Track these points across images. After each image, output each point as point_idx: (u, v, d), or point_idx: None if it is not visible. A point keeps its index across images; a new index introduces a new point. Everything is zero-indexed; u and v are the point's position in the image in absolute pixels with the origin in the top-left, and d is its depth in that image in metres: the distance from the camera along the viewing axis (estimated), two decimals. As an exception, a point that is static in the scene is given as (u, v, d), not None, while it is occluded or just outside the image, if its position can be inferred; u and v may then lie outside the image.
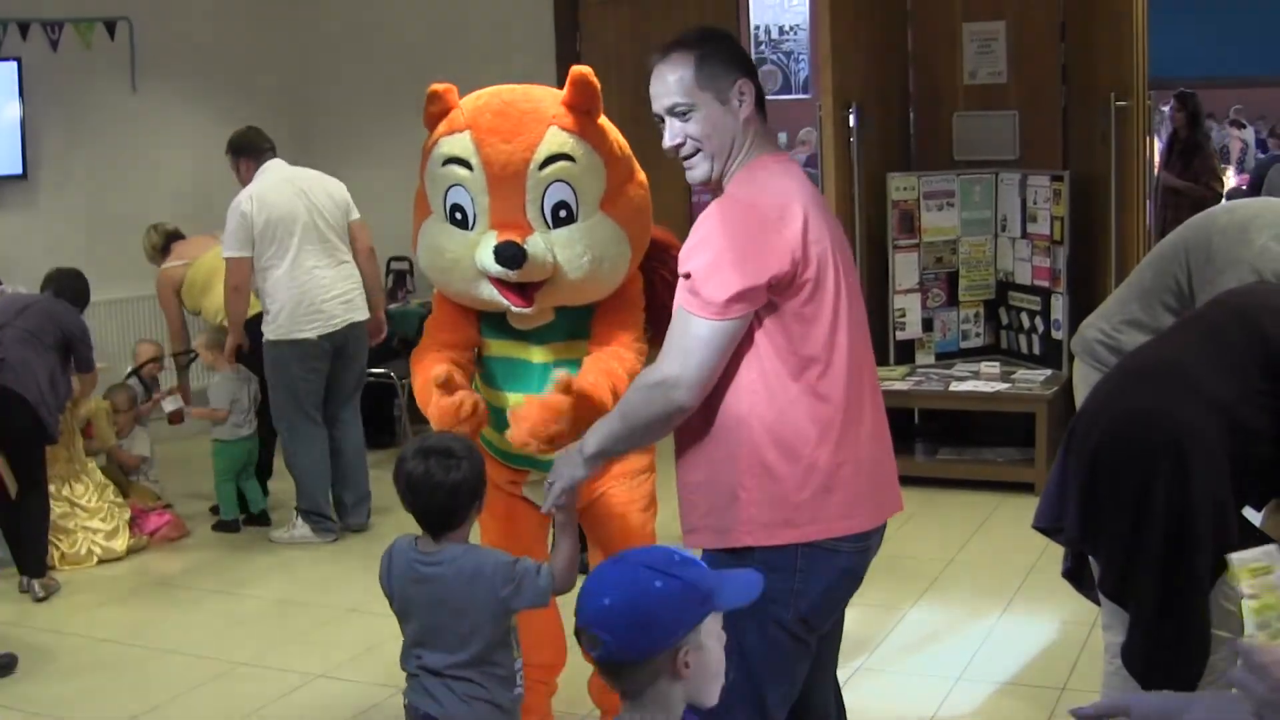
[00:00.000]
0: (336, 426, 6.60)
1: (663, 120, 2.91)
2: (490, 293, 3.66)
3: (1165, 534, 2.89)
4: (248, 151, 6.54)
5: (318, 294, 6.29)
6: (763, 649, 2.81)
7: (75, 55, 8.08)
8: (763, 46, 14.48)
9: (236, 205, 6.31)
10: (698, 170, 2.90)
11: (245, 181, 6.47)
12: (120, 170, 8.28)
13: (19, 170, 7.84)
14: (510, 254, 3.55)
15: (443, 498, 3.08)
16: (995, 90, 7.33)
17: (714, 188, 2.93)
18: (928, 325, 7.29)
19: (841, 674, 3.28)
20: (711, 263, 2.73)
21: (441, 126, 3.71)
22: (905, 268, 7.22)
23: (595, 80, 3.66)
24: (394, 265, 8.97)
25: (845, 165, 6.99)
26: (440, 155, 3.66)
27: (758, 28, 14.34)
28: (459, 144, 3.64)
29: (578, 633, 2.14)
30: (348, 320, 6.39)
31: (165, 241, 7.28)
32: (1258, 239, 3.63)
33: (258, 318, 6.48)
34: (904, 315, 7.24)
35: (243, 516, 6.78)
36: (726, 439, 2.81)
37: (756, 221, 2.76)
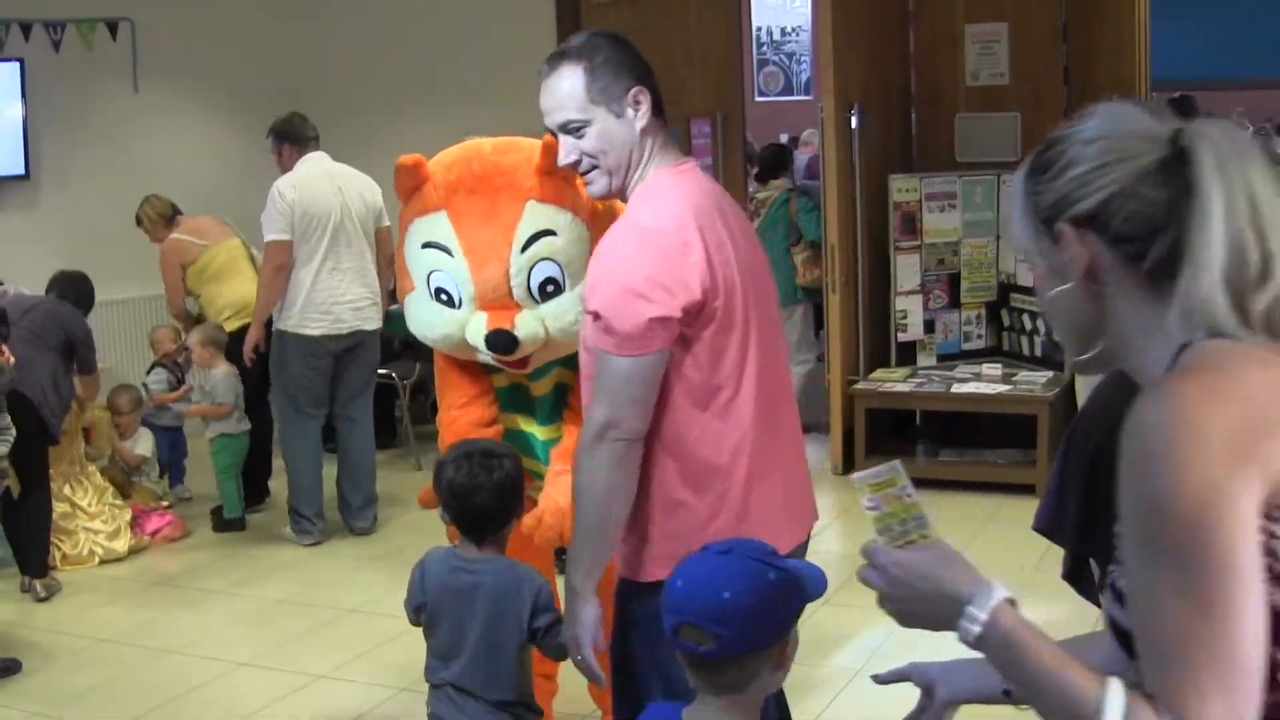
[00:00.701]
0: (345, 424, 6.61)
1: (556, 134, 2.77)
2: (485, 358, 3.69)
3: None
4: (292, 138, 6.51)
5: (330, 296, 6.30)
6: (680, 675, 2.72)
7: (77, 56, 8.08)
8: (764, 47, 14.50)
9: (278, 190, 6.28)
10: (596, 186, 2.76)
11: (286, 168, 6.45)
12: (122, 171, 8.28)
13: (21, 170, 7.85)
14: (502, 343, 3.57)
15: (486, 498, 3.08)
16: (997, 91, 7.33)
17: (618, 196, 2.81)
18: (929, 327, 7.29)
19: (840, 677, 3.28)
20: (621, 298, 2.56)
21: (415, 204, 3.68)
22: (907, 269, 7.22)
23: None
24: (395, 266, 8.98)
25: (847, 166, 7.00)
26: (418, 239, 3.64)
27: (759, 29, 14.35)
28: (436, 228, 3.62)
29: (679, 629, 2.09)
30: (355, 328, 6.40)
31: (171, 212, 7.20)
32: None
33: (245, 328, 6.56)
34: (906, 317, 7.24)
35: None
36: (654, 471, 2.68)
37: (662, 251, 2.58)
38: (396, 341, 7.62)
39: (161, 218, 7.18)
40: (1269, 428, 1.42)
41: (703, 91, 8.21)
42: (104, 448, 6.73)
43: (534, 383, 3.80)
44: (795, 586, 2.14)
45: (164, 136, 8.53)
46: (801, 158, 13.15)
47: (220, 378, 6.68)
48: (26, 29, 7.82)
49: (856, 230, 7.07)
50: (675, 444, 2.66)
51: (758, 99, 14.03)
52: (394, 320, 7.54)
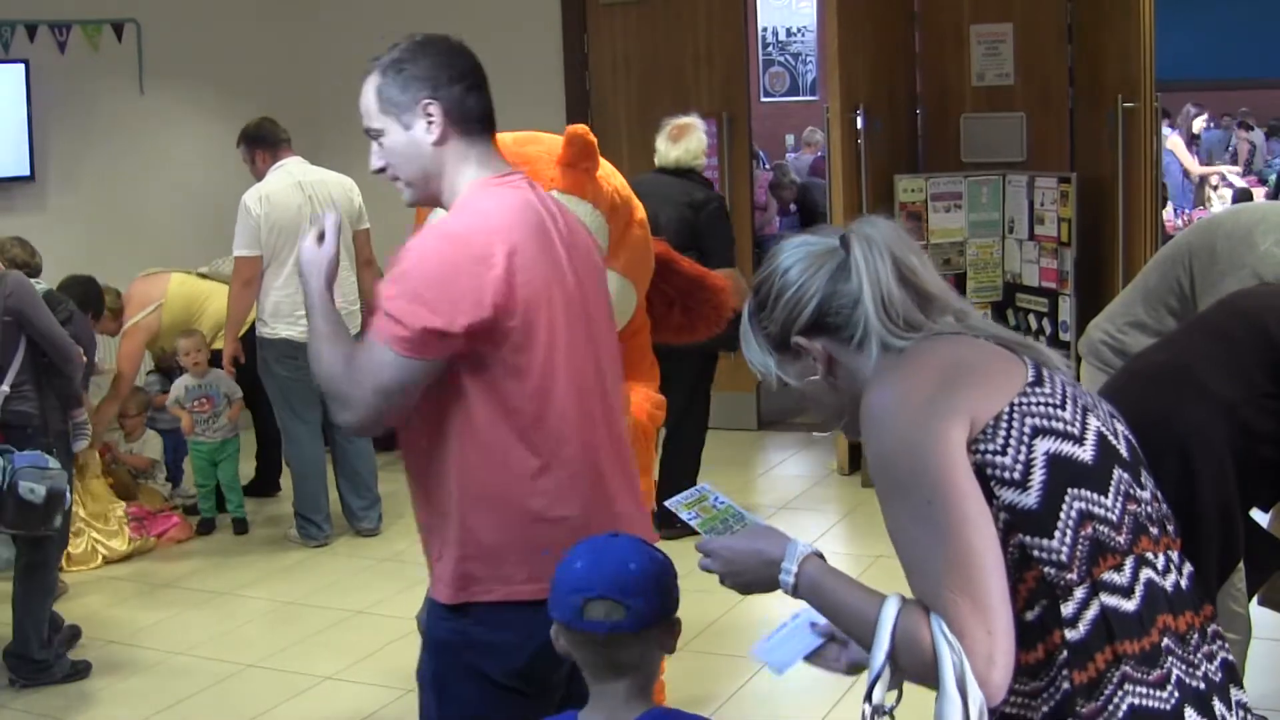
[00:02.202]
0: (337, 432, 6.60)
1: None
2: None
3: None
4: (262, 143, 6.49)
5: (299, 306, 6.29)
6: (479, 704, 2.65)
7: (83, 57, 8.09)
8: (770, 48, 14.50)
9: (245, 204, 6.28)
10: (405, 195, 2.72)
11: (260, 174, 6.43)
12: (128, 172, 8.29)
13: (27, 172, 7.85)
14: None
15: None
16: (1002, 92, 7.32)
17: (433, 205, 2.76)
18: (935, 327, 7.28)
19: (843, 679, 3.27)
20: (408, 300, 2.49)
21: None
22: (912, 270, 7.20)
23: (592, 138, 3.63)
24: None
25: (853, 167, 6.99)
26: None
27: (765, 29, 14.36)
28: None
29: (584, 607, 2.14)
30: None
31: (116, 300, 6.81)
32: (1261, 243, 3.64)
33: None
34: (911, 317, 7.22)
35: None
36: (440, 491, 2.63)
37: (459, 260, 2.51)
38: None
39: (111, 310, 6.75)
40: (958, 379, 1.85)
41: (709, 92, 8.21)
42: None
43: None
44: (673, 567, 2.24)
45: (169, 138, 8.53)
46: (806, 158, 13.17)
47: (222, 377, 6.70)
48: (32, 30, 7.83)
49: (862, 231, 7.07)
50: (480, 467, 2.57)
51: (763, 100, 14.03)
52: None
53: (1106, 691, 1.78)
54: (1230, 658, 1.93)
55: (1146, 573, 1.82)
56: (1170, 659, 1.81)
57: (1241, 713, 1.90)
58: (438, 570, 2.65)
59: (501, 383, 2.55)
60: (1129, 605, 1.80)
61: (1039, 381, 1.87)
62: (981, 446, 1.79)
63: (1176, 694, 1.79)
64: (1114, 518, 1.80)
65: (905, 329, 1.93)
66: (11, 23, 7.74)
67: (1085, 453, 1.82)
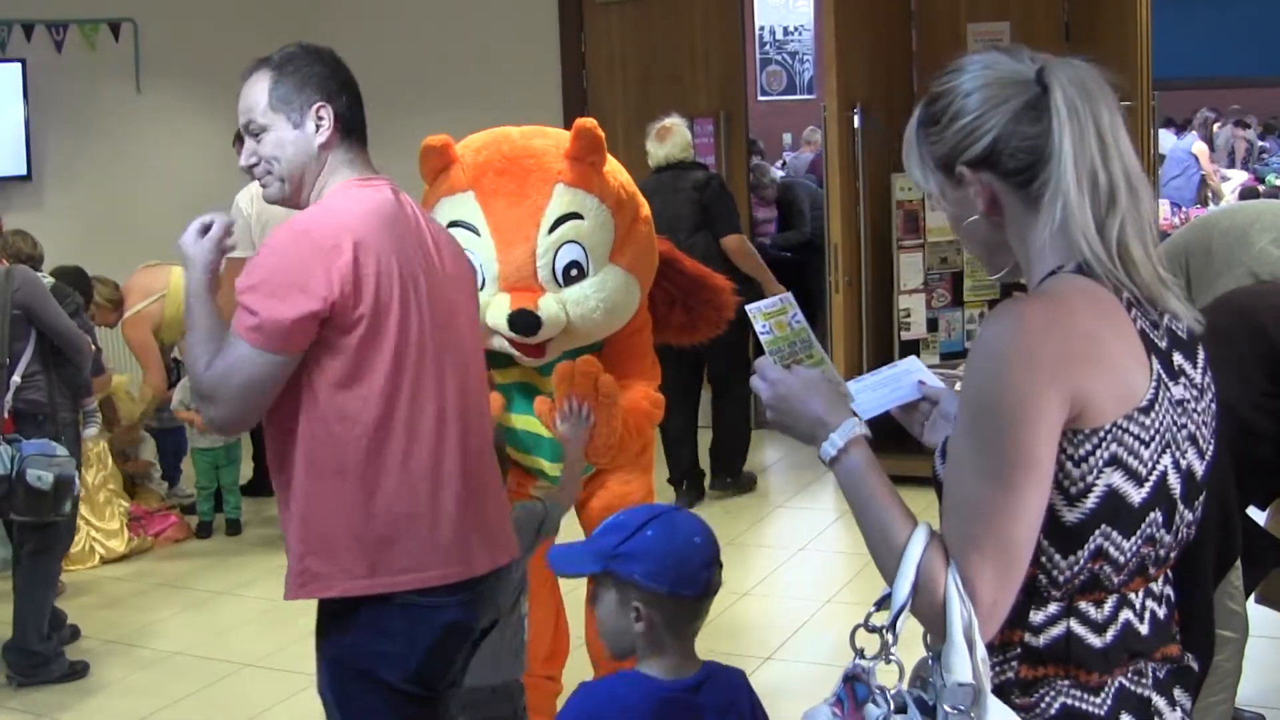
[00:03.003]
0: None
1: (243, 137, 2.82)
2: (501, 344, 3.70)
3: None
4: None
5: None
6: (381, 712, 2.71)
7: (80, 56, 8.09)
8: (767, 47, 14.49)
9: (237, 204, 6.29)
10: (269, 191, 2.82)
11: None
12: (125, 171, 8.29)
13: (24, 171, 7.86)
14: (525, 323, 3.59)
15: None
16: (1000, 91, 7.32)
17: (294, 205, 2.83)
18: (932, 325, 7.29)
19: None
20: (262, 293, 2.57)
21: (442, 184, 3.69)
22: (910, 268, 7.22)
23: (599, 131, 3.65)
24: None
25: (850, 166, 7.00)
26: (445, 218, 3.61)
27: (763, 28, 14.35)
28: (463, 207, 3.64)
29: (716, 574, 2.41)
30: None
31: (114, 292, 6.81)
32: (1257, 242, 3.65)
33: None
34: (909, 315, 7.23)
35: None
36: (295, 484, 2.67)
37: (307, 251, 2.59)
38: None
39: (110, 302, 6.77)
40: (1085, 357, 1.71)
41: (706, 91, 8.21)
42: (131, 411, 6.76)
43: (546, 377, 3.80)
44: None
45: (166, 137, 8.53)
46: (805, 156, 13.17)
47: None
48: (29, 29, 7.83)
49: (859, 229, 7.07)
50: (331, 460, 2.63)
51: (760, 99, 14.03)
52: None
53: (1041, 689, 1.78)
54: (1189, 665, 1.90)
55: (1125, 614, 1.80)
56: (1119, 679, 1.79)
57: (1180, 713, 1.86)
58: (300, 570, 2.70)
59: (354, 374, 2.61)
60: (1097, 642, 1.77)
61: (1150, 408, 1.75)
62: (1064, 444, 1.72)
63: (1110, 702, 1.78)
64: (1123, 560, 1.77)
65: (1105, 247, 1.77)
66: (8, 22, 7.74)
67: (1138, 495, 1.75)
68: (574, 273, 3.63)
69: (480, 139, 3.77)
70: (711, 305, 4.17)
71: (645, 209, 3.88)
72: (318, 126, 2.73)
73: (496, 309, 3.61)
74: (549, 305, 3.60)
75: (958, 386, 1.86)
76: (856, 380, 2.17)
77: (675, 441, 6.82)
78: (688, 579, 2.35)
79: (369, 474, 2.63)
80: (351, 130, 2.77)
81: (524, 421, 3.84)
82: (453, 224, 3.59)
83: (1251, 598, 3.63)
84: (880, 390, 2.17)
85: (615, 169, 3.80)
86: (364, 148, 2.81)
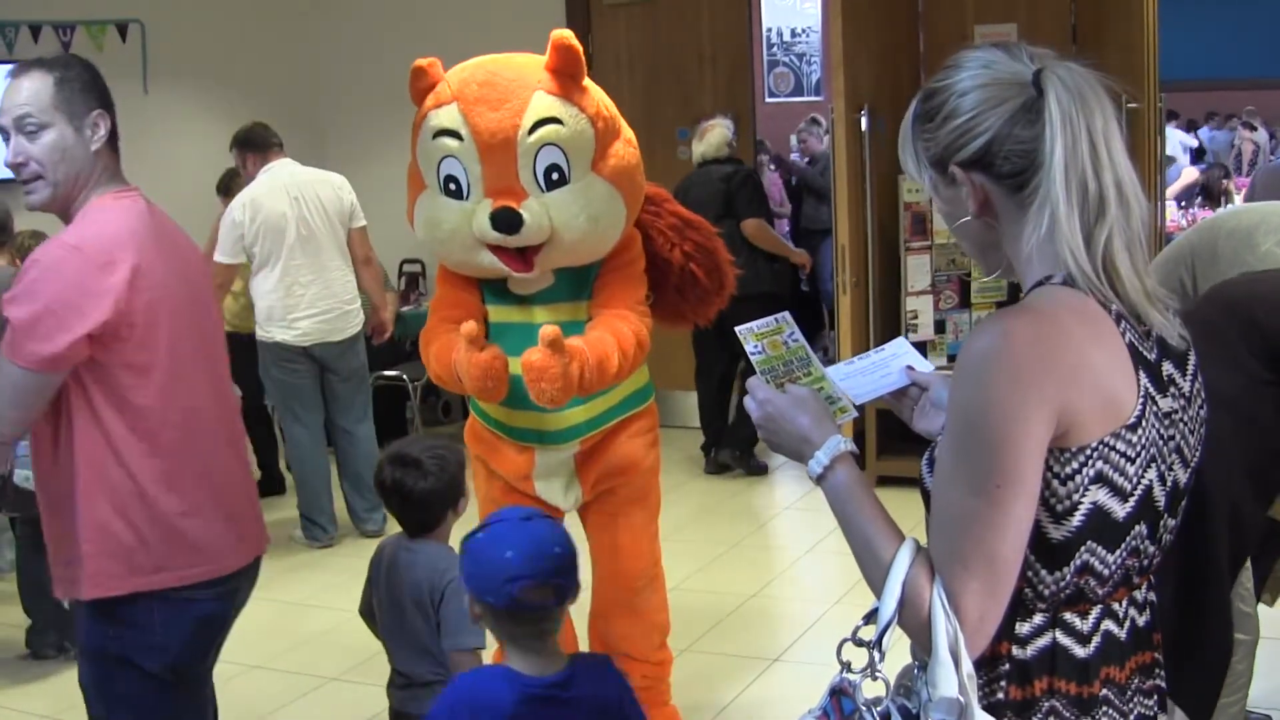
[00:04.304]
0: (341, 436, 6.62)
1: (8, 137, 2.83)
2: (490, 260, 3.74)
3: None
4: (253, 146, 6.52)
5: (293, 305, 6.32)
6: (141, 698, 2.90)
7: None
8: (775, 48, 14.50)
9: (230, 211, 6.35)
10: (36, 196, 2.85)
11: (251, 176, 6.48)
12: (132, 172, 8.09)
13: (32, 173, 7.85)
14: (506, 219, 3.63)
15: (415, 504, 3.31)
16: (1007, 92, 7.31)
17: (66, 214, 2.89)
18: (940, 327, 7.28)
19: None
20: (35, 314, 2.67)
21: (429, 100, 3.76)
22: (917, 270, 7.21)
23: (577, 44, 3.72)
24: (406, 268, 8.98)
25: (857, 167, 7.00)
26: (430, 128, 3.71)
27: (770, 30, 14.36)
28: (447, 116, 3.69)
29: (522, 592, 2.40)
30: (322, 341, 6.40)
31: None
32: (1263, 243, 3.64)
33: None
34: (916, 317, 7.23)
35: None
36: (69, 491, 2.80)
37: (80, 270, 2.70)
38: (407, 343, 7.62)
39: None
40: (1071, 375, 1.69)
41: (713, 92, 8.22)
42: None
43: (537, 309, 3.83)
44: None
45: (174, 138, 8.53)
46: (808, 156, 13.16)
47: None
48: (36, 30, 7.83)
49: (867, 231, 7.07)
50: (106, 464, 2.76)
51: (768, 100, 14.04)
52: (404, 321, 7.56)
53: (1032, 715, 1.79)
54: (1163, 684, 1.92)
55: (1107, 624, 1.81)
56: (1105, 708, 1.81)
57: None
58: (70, 572, 2.83)
59: (124, 381, 2.73)
60: (1080, 652, 1.79)
61: (1136, 425, 1.75)
62: (1050, 462, 1.71)
63: None
64: (1107, 573, 1.78)
65: (1091, 259, 1.75)
66: (15, 23, 7.75)
67: (1122, 510, 1.76)
68: (555, 176, 3.68)
69: (465, 63, 3.86)
70: (704, 249, 4.16)
71: (629, 133, 3.96)
72: (93, 134, 2.82)
73: (481, 215, 3.67)
74: (531, 207, 3.66)
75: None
76: (846, 363, 2.19)
77: (708, 411, 7.56)
78: (491, 589, 2.41)
79: (138, 477, 2.77)
80: (114, 140, 2.90)
81: (515, 367, 3.80)
82: (438, 133, 3.67)
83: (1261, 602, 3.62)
84: (869, 376, 2.18)
85: (597, 91, 3.88)
86: (119, 161, 2.93)
